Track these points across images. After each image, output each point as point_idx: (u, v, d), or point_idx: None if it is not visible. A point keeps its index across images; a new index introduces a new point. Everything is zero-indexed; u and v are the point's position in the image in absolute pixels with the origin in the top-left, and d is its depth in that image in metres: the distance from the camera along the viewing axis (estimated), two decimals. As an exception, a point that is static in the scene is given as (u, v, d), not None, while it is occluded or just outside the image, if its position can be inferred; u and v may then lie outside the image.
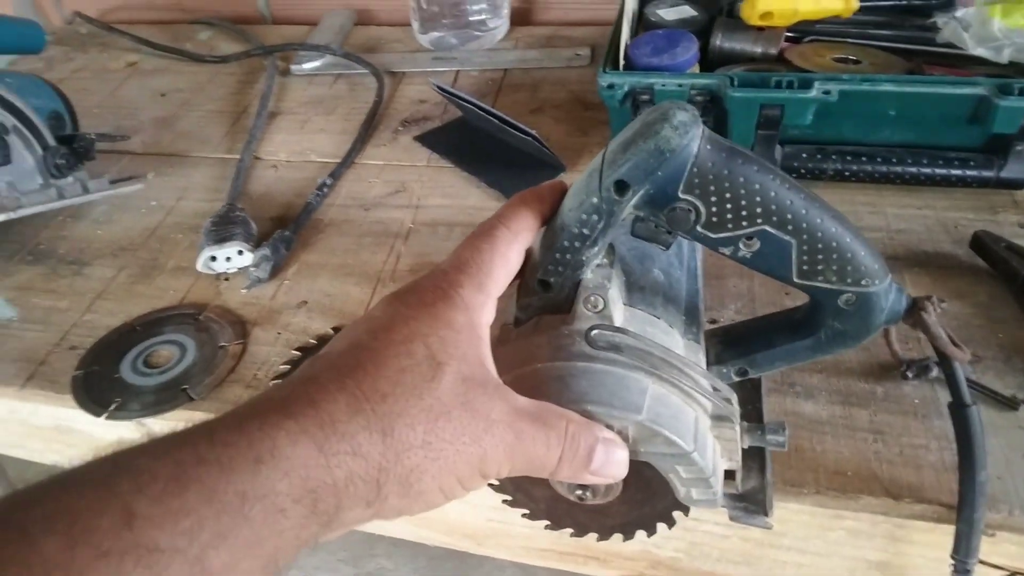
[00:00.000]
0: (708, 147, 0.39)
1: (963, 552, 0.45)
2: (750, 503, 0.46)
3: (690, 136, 0.39)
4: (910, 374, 0.53)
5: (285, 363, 0.60)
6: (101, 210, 0.80)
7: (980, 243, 0.61)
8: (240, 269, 0.69)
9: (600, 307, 0.44)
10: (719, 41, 0.78)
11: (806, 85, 0.66)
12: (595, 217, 0.41)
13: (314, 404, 0.31)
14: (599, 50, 0.99)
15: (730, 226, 0.40)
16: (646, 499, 0.45)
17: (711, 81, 0.69)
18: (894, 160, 0.69)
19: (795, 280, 0.42)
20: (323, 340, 0.62)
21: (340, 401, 0.31)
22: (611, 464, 0.39)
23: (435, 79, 0.90)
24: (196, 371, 0.60)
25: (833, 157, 0.69)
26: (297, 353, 0.61)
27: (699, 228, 0.41)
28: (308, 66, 1.01)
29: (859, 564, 0.56)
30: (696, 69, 0.75)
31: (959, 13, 0.69)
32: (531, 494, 0.48)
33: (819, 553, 0.57)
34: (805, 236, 0.40)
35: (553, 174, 0.77)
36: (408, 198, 0.78)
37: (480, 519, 0.64)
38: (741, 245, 0.41)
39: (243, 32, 1.12)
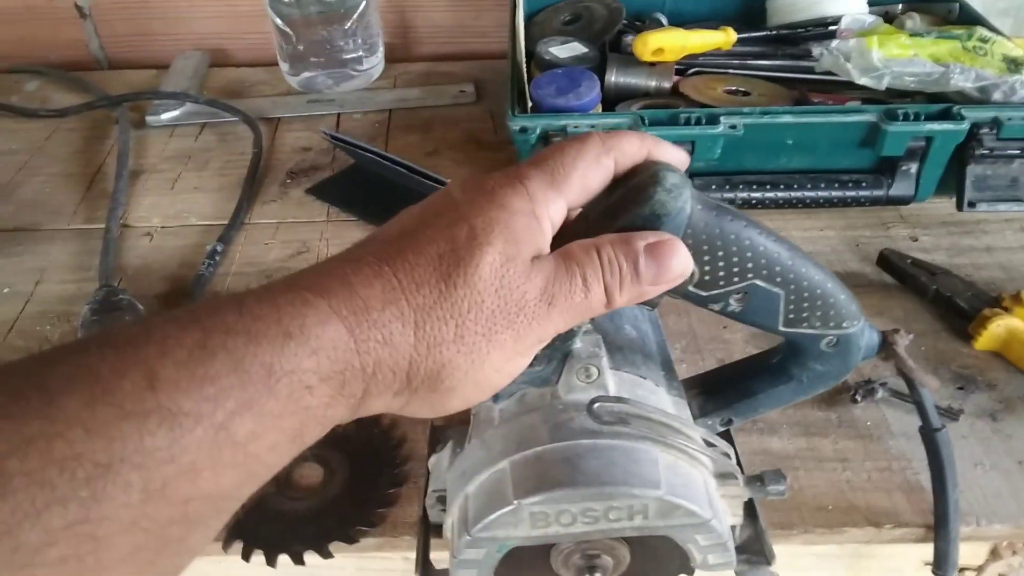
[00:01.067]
0: (699, 207, 0.38)
1: (944, 567, 0.47)
2: (751, 554, 0.46)
3: (683, 199, 0.37)
4: (859, 397, 0.55)
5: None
6: (-62, 304, 0.68)
7: (887, 261, 0.66)
8: (134, 361, 0.60)
9: (595, 377, 0.42)
10: (614, 77, 0.79)
11: (713, 121, 0.68)
12: (587, 287, 0.39)
13: (350, 287, 0.30)
14: (483, 85, 0.97)
15: (722, 283, 0.40)
16: (652, 569, 0.44)
17: (623, 120, 0.69)
18: (795, 186, 0.72)
19: (780, 328, 0.42)
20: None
21: (376, 287, 0.30)
22: (667, 266, 0.36)
23: (322, 126, 0.85)
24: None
25: (740, 187, 0.72)
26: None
27: (691, 288, 0.40)
28: (166, 116, 0.92)
29: (826, 585, 0.58)
30: (599, 108, 0.75)
31: (834, 44, 0.74)
32: (528, 582, 0.45)
33: (788, 579, 0.58)
34: (792, 287, 0.40)
35: (467, 221, 0.74)
36: (313, 258, 0.72)
37: None
38: (732, 300, 0.41)
39: (78, 80, 1.00)
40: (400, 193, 0.77)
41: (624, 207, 0.37)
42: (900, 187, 0.72)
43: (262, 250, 0.73)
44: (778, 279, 0.40)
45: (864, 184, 0.72)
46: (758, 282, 0.40)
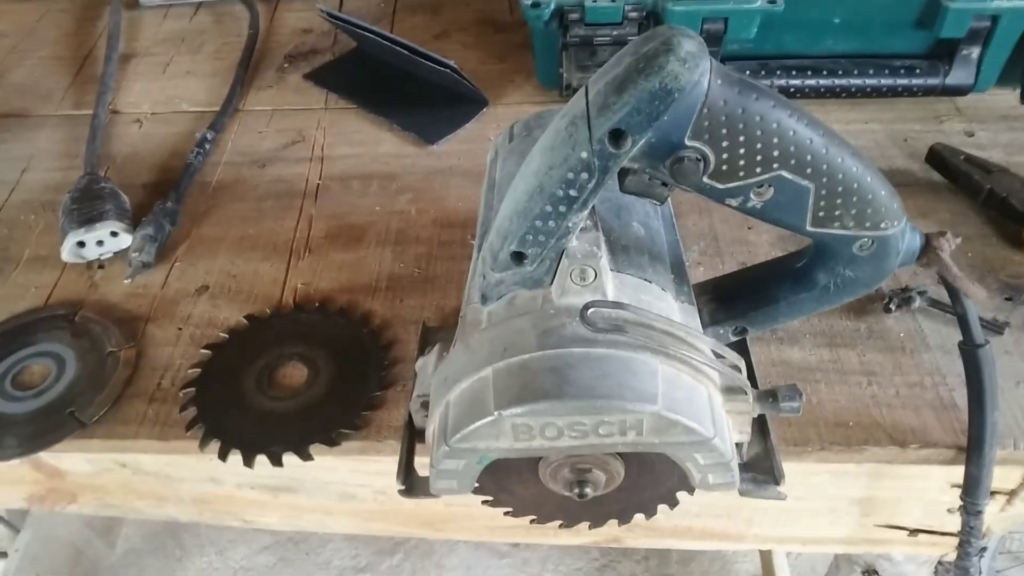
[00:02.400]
0: (719, 82, 0.32)
1: (974, 495, 0.43)
2: (757, 472, 0.42)
3: (700, 70, 0.32)
4: (893, 306, 0.50)
5: (194, 366, 0.50)
6: (-79, 191, 0.65)
7: (937, 157, 0.59)
8: (117, 253, 0.57)
9: (591, 279, 0.37)
10: (641, -53, 0.70)
11: (750, -6, 0.60)
12: (584, 176, 0.34)
13: None
14: (500, -37, 0.89)
15: (742, 174, 0.34)
16: (648, 485, 0.40)
17: (646, -6, 0.62)
18: (839, 72, 0.64)
19: (807, 228, 0.37)
20: (236, 333, 0.52)
21: None
22: None
23: (320, 4, 0.78)
24: (82, 388, 0.49)
25: (778, 72, 0.65)
26: (207, 352, 0.51)
27: (706, 179, 0.35)
28: (160, -5, 0.86)
29: (840, 502, 0.54)
30: (623, -18, 0.67)
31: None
32: (516, 494, 0.42)
33: (801, 497, 0.54)
34: (825, 179, 0.35)
35: (475, 111, 0.68)
36: (308, 149, 0.67)
37: (439, 505, 0.58)
38: (752, 195, 0.35)
39: (70, -44, 0.94)
40: (404, 79, 0.72)
41: (628, 79, 0.32)
42: (958, 75, 0.64)
43: (255, 139, 0.69)
44: (808, 170, 0.34)
45: (918, 71, 0.64)
46: (785, 173, 0.34)
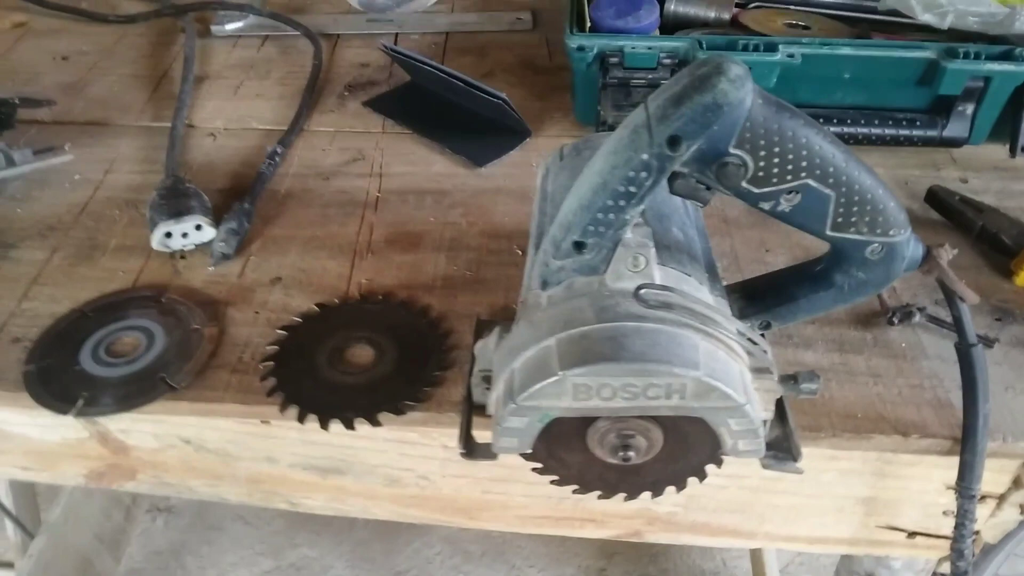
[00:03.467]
0: (760, 101, 0.39)
1: (968, 479, 0.49)
2: (778, 450, 0.48)
3: (745, 90, 0.39)
4: (896, 320, 0.57)
5: (271, 343, 0.56)
6: (15, 187, 0.71)
7: (935, 197, 0.66)
8: (198, 246, 0.64)
9: (642, 266, 0.44)
10: (674, 6, 0.79)
11: (772, 48, 0.68)
12: (644, 174, 0.41)
13: None
14: (540, 14, 0.98)
15: (775, 180, 0.41)
16: (682, 455, 0.46)
17: (680, 44, 0.70)
18: (848, 121, 0.72)
19: (827, 233, 0.43)
20: (308, 318, 0.58)
21: None
22: None
23: (382, 41, 0.86)
24: (171, 357, 0.55)
25: (793, 118, 0.72)
26: (283, 333, 0.57)
27: (744, 183, 0.41)
28: (230, 27, 0.94)
29: (847, 501, 0.60)
30: (657, 32, 0.75)
31: (900, -20, 0.73)
32: (564, 461, 0.47)
33: (811, 495, 0.60)
34: (844, 189, 0.42)
35: (519, 140, 0.76)
36: (368, 166, 0.74)
37: (476, 492, 0.63)
38: (782, 200, 0.42)
39: (146, -11, 1.02)
40: (453, 109, 0.79)
41: (685, 95, 0.39)
42: (954, 128, 0.71)
43: (319, 155, 0.76)
44: (831, 180, 0.41)
45: (918, 123, 0.72)
46: (811, 182, 0.41)
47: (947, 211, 0.65)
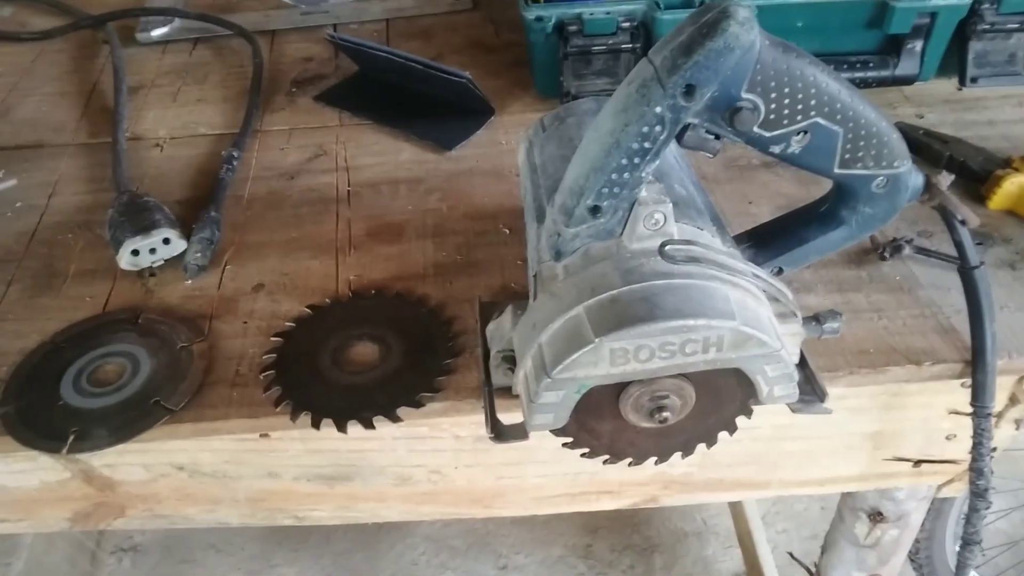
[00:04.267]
0: (767, 43, 0.39)
1: (982, 398, 0.50)
2: (803, 394, 0.48)
3: (755, 32, 0.38)
4: (886, 255, 0.58)
5: (267, 352, 0.53)
6: (-49, 220, 0.66)
7: (902, 134, 0.67)
8: (167, 260, 0.60)
9: (661, 223, 0.43)
10: (622, -31, 0.78)
11: (728, 2, 0.68)
12: (658, 128, 0.40)
13: None
14: (478, -7, 0.96)
15: (786, 122, 0.41)
16: (713, 410, 0.46)
17: (638, 7, 0.69)
18: (805, 69, 0.73)
19: (835, 171, 0.44)
20: (302, 322, 0.55)
21: None
22: None
23: (327, 31, 0.83)
24: (161, 381, 0.51)
25: (753, 72, 0.73)
26: (277, 339, 0.54)
27: (756, 128, 0.41)
28: (156, 33, 0.89)
29: (855, 438, 0.61)
30: (610, -2, 0.75)
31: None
32: (596, 431, 0.46)
33: (821, 436, 0.61)
34: (851, 124, 0.42)
35: (484, 119, 0.74)
36: (332, 161, 0.71)
37: (490, 479, 0.62)
38: (793, 141, 0.42)
39: (55, 2, 0.96)
40: (411, 95, 0.77)
41: (695, 41, 0.38)
42: (905, 66, 0.74)
43: (278, 155, 0.72)
44: (838, 116, 0.41)
45: (871, 65, 0.74)
46: (820, 120, 0.41)
47: (913, 146, 0.66)
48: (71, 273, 0.61)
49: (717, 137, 0.42)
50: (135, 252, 0.58)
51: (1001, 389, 0.57)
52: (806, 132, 0.41)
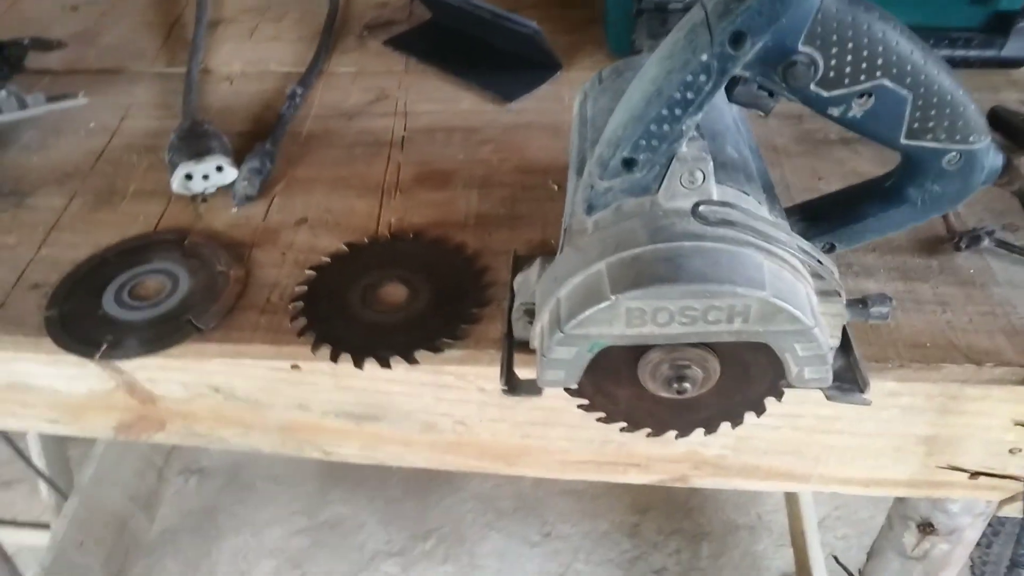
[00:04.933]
0: (831, -11, 0.36)
1: (1049, 409, 0.45)
2: (842, 382, 0.45)
3: (817, -24, 0.35)
4: (963, 245, 0.53)
5: (300, 283, 0.53)
6: (31, 135, 0.69)
7: (998, 118, 0.62)
8: (220, 188, 0.61)
9: (700, 182, 0.40)
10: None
11: (820, -37, 0.64)
12: (703, 78, 0.37)
13: None
14: (564, -53, 0.93)
15: (847, 81, 0.38)
16: (740, 387, 0.43)
17: (721, -38, 0.65)
18: (901, 42, 0.67)
19: (902, 141, 0.40)
20: (337, 258, 0.55)
21: None
22: None
23: (400, -23, 0.82)
24: (197, 300, 0.52)
25: (842, 41, 0.68)
26: (311, 273, 0.54)
27: (813, 86, 0.38)
28: (242, -30, 0.90)
29: (907, 440, 0.57)
30: (694, -46, 0.71)
31: None
32: (612, 396, 0.45)
33: (870, 434, 0.57)
34: (922, 90, 0.38)
35: (550, 73, 0.72)
36: (392, 105, 0.71)
37: (515, 437, 0.61)
38: (854, 104, 0.38)
39: (154, -64, 0.99)
40: (479, 45, 0.75)
41: (751, -16, 0.35)
42: (1014, 47, 0.67)
43: (341, 96, 0.73)
44: (908, 79, 0.38)
45: (975, 43, 0.67)
46: (886, 82, 0.38)
47: (1012, 131, 0.61)
48: (130, 192, 0.63)
49: (771, 94, 0.39)
50: (188, 176, 0.60)
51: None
52: (870, 95, 0.38)
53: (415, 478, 1.54)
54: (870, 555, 0.81)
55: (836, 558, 0.98)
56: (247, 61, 0.78)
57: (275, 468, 1.57)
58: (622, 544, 1.45)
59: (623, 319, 0.38)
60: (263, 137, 0.66)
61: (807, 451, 0.59)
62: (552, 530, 1.48)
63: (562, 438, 0.60)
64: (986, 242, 0.53)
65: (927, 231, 0.55)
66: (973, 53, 0.68)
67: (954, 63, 0.68)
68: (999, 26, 0.67)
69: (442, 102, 0.71)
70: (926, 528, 0.69)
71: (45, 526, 1.26)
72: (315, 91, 0.73)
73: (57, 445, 1.26)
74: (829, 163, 0.61)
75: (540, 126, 0.67)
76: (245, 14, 0.85)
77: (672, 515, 1.48)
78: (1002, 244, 0.53)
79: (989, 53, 0.68)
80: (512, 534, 1.47)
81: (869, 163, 0.61)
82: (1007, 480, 0.58)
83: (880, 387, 0.51)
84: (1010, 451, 0.56)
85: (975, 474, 0.58)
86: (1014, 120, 0.61)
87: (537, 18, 0.81)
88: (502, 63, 0.73)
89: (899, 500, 0.73)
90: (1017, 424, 0.54)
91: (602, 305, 0.38)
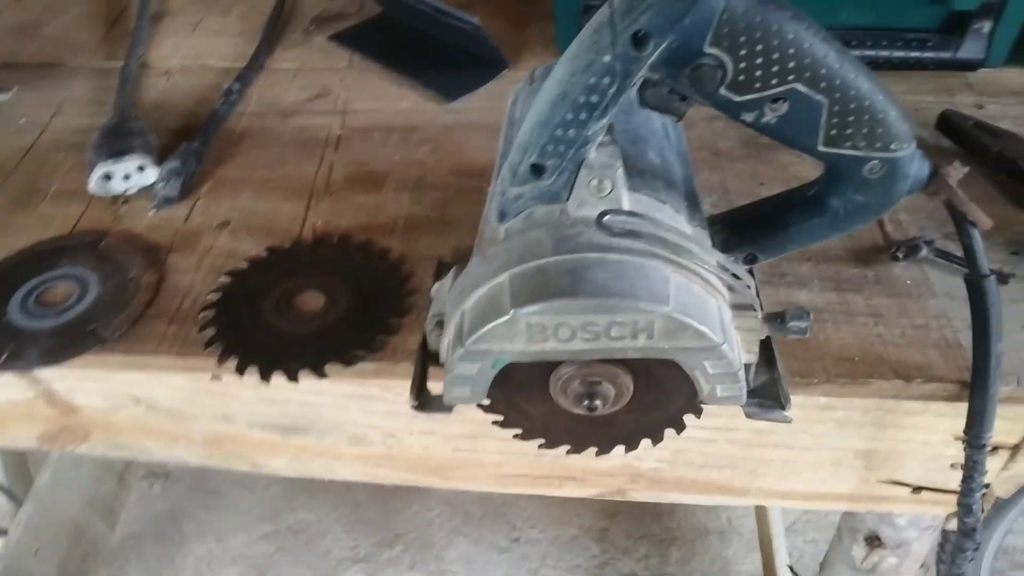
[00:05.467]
0: (738, -11, 0.34)
1: (978, 427, 0.44)
2: (764, 398, 0.43)
3: (721, -26, 0.33)
4: (900, 255, 0.51)
5: (214, 291, 0.51)
6: (-45, 131, 0.67)
7: (948, 123, 0.60)
8: (142, 189, 0.59)
9: (608, 191, 0.38)
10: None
11: (768, -39, 0.62)
12: (606, 80, 0.35)
13: None
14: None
15: (758, 85, 0.36)
16: (656, 403, 0.41)
17: (667, -41, 0.63)
18: (853, 43, 0.66)
19: (819, 148, 0.38)
20: (256, 263, 0.53)
21: None
22: None
23: (347, -29, 0.80)
24: (103, 308, 0.50)
25: (792, 42, 0.66)
26: (227, 279, 0.52)
27: (723, 90, 0.36)
28: (191, -38, 0.88)
29: (845, 454, 0.55)
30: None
31: None
32: (526, 412, 0.43)
33: (806, 447, 0.55)
34: (838, 95, 0.36)
35: (495, 72, 0.70)
36: (332, 103, 0.69)
37: (447, 450, 0.59)
38: (767, 109, 0.37)
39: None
40: (427, 42, 0.73)
41: (649, -18, 0.33)
42: (969, 48, 0.65)
43: (280, 92, 0.70)
44: (822, 84, 0.36)
45: (930, 44, 0.65)
46: (799, 86, 0.36)
47: (960, 137, 0.59)
48: (51, 192, 0.61)
49: (684, 99, 0.37)
50: (107, 176, 0.57)
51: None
52: (784, 99, 0.36)
53: (381, 484, 1.52)
54: (822, 567, 0.80)
55: (791, 568, 0.97)
56: (187, 55, 0.75)
57: (241, 473, 1.55)
58: (591, 549, 1.43)
59: (524, 334, 0.36)
60: (195, 135, 0.64)
61: (743, 464, 0.57)
62: (520, 535, 1.46)
63: (495, 451, 0.59)
64: (925, 251, 0.51)
65: (864, 240, 0.53)
66: (928, 55, 0.66)
67: (909, 64, 0.66)
68: (955, 27, 0.65)
69: (383, 100, 0.69)
70: (873, 541, 0.67)
71: (3, 532, 1.24)
72: (254, 87, 0.71)
73: (16, 450, 1.23)
74: (772, 167, 0.59)
75: (481, 126, 0.65)
76: (192, 7, 0.83)
77: (641, 520, 1.46)
78: (941, 254, 0.51)
79: (945, 55, 0.66)
80: (480, 539, 1.45)
81: (813, 168, 0.58)
82: (950, 495, 0.57)
83: (813, 401, 0.49)
84: (951, 465, 0.54)
85: (917, 488, 0.57)
86: (964, 125, 0.59)
87: (489, 11, 0.80)
88: (447, 60, 0.71)
89: (847, 513, 0.71)
90: (957, 439, 0.52)
91: (501, 320, 0.36)
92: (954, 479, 0.55)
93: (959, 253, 0.51)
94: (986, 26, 0.64)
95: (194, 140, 0.62)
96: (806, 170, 0.59)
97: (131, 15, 0.81)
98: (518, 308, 0.35)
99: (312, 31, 0.78)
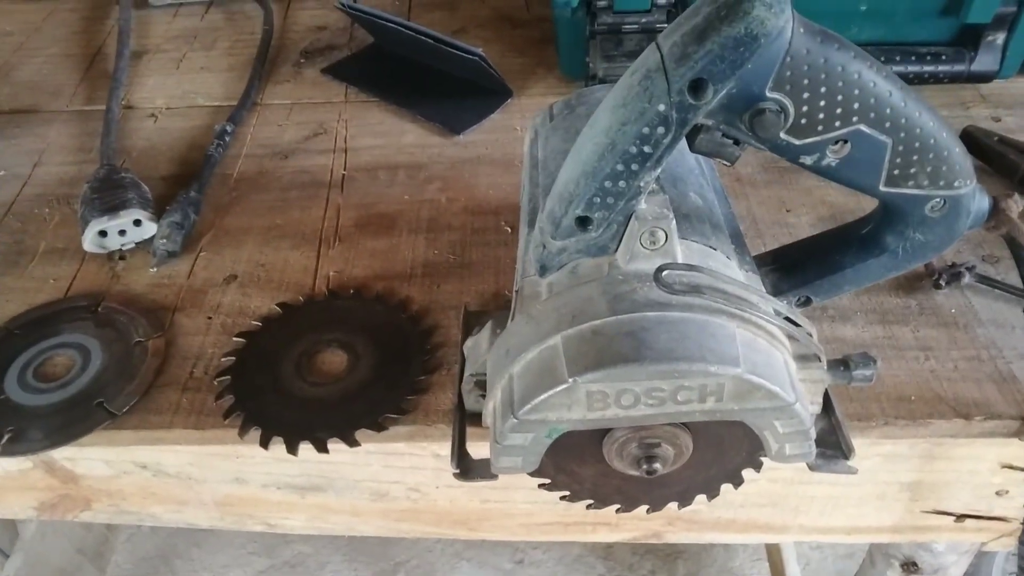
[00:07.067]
0: (801, 31, 0.32)
1: (1045, 468, 0.42)
2: (824, 446, 0.41)
3: (785, 16, 0.31)
4: (942, 282, 0.50)
5: (227, 354, 0.48)
6: (-71, 187, 0.63)
7: (971, 139, 0.59)
8: (139, 244, 0.55)
9: (661, 242, 0.36)
10: (663, -59, 0.70)
11: (779, -20, 0.60)
12: (661, 130, 0.33)
13: None
14: (512, -38, 0.89)
15: (820, 128, 0.34)
16: (715, 460, 0.39)
17: (676, -16, 0.62)
18: (866, 59, 0.64)
19: (881, 189, 0.36)
20: (269, 321, 0.50)
21: None
22: None
23: (337, 2, 0.77)
24: (109, 378, 0.47)
25: (805, 60, 0.64)
26: (240, 340, 0.49)
27: (783, 135, 0.34)
28: (169, -6, 0.85)
29: (890, 488, 0.53)
30: (647, -29, 0.67)
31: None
32: (575, 475, 0.40)
33: (850, 483, 0.53)
34: (903, 134, 0.34)
35: (500, 101, 0.68)
36: (331, 141, 0.66)
37: (475, 502, 0.56)
38: (828, 152, 0.35)
39: (74, -41, 0.92)
40: (424, 72, 0.71)
41: (711, 26, 0.31)
42: (983, 61, 0.64)
43: (276, 131, 0.67)
44: (887, 124, 0.34)
45: (943, 57, 0.64)
46: (863, 127, 0.34)
47: (985, 154, 0.58)
48: (40, 251, 0.57)
49: (737, 143, 0.35)
50: (103, 233, 0.54)
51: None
52: (845, 141, 0.34)
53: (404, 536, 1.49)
54: (853, 590, 0.78)
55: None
56: (172, 95, 0.72)
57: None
58: (596, 567, 1.41)
59: (584, 403, 0.34)
60: (189, 181, 0.60)
61: (785, 503, 0.55)
62: (524, 557, 1.43)
63: (525, 500, 0.56)
64: (967, 278, 0.49)
65: (905, 268, 0.51)
66: (943, 68, 0.65)
67: (923, 78, 0.65)
68: (969, 40, 0.64)
69: (385, 136, 0.66)
70: (910, 567, 0.66)
71: (-7, 586, 1.18)
72: (247, 127, 0.68)
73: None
74: (797, 192, 0.58)
75: (491, 160, 0.63)
76: (172, 43, 0.79)
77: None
78: (983, 279, 0.49)
79: (959, 68, 0.65)
80: (483, 563, 1.42)
81: (838, 192, 0.58)
82: (995, 521, 0.56)
83: (862, 441, 0.47)
84: (996, 493, 0.53)
85: (962, 517, 0.55)
86: (987, 141, 0.58)
87: (486, 38, 0.77)
88: (449, 90, 0.69)
89: (882, 538, 0.70)
90: (1004, 467, 0.51)
91: (559, 388, 0.33)
92: (999, 506, 0.54)
93: (999, 278, 0.50)
94: (999, 38, 0.63)
95: (190, 188, 0.59)
96: (831, 194, 0.58)
97: (109, 54, 0.78)
98: (577, 376, 0.33)
99: (303, 64, 0.75)
